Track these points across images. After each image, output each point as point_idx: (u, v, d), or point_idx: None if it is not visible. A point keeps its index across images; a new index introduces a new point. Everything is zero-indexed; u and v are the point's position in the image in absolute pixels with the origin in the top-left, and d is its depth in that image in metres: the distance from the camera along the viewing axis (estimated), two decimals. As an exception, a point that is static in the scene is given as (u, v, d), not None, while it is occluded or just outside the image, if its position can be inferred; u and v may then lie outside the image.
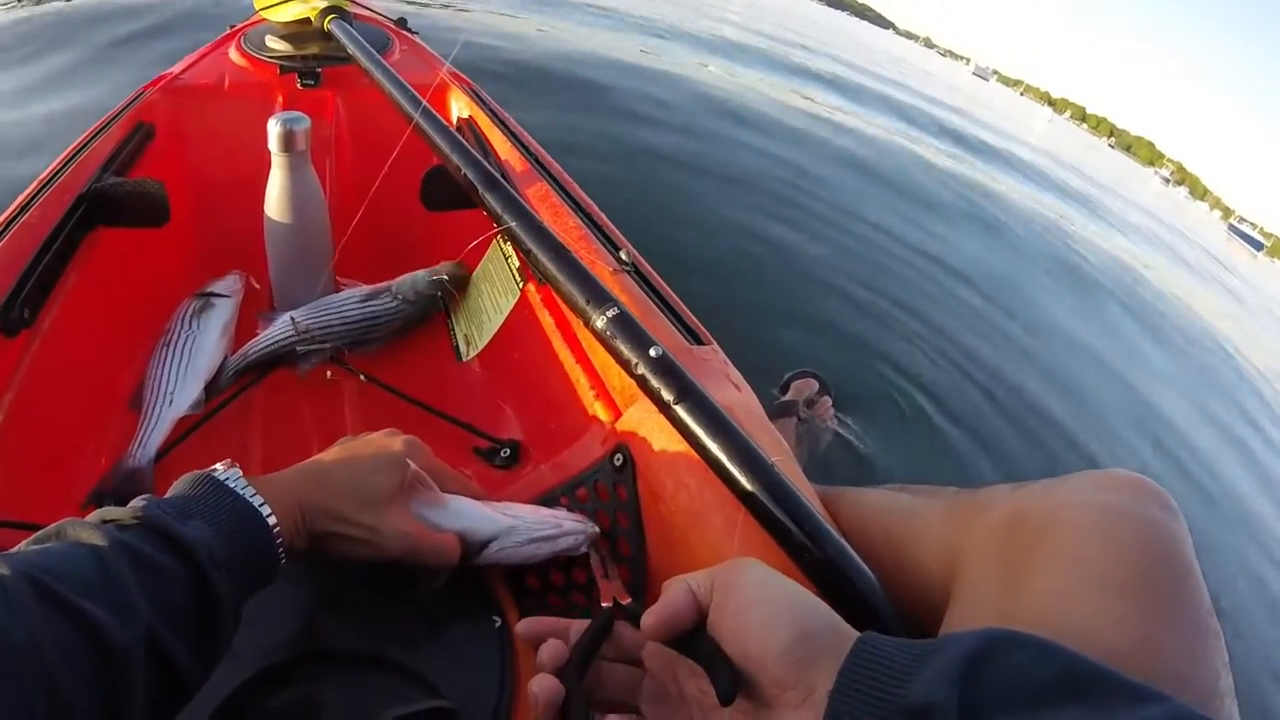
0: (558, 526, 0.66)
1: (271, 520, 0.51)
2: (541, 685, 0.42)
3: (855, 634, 0.37)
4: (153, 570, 0.41)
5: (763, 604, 0.40)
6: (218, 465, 0.53)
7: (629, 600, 0.51)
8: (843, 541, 0.54)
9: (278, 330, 1.02)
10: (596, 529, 0.68)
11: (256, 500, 0.51)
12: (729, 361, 0.76)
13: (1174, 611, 0.38)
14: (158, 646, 0.39)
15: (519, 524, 0.66)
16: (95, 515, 0.44)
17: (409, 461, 0.63)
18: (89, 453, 0.86)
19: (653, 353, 0.65)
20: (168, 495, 0.50)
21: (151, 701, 0.39)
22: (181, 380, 0.94)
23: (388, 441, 0.64)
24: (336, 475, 0.59)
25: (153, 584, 0.41)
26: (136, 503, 0.46)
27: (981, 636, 0.33)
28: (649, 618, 0.43)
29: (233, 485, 0.51)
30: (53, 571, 0.37)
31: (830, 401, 1.71)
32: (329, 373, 1.00)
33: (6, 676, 0.32)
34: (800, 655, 0.37)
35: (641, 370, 0.65)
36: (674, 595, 0.43)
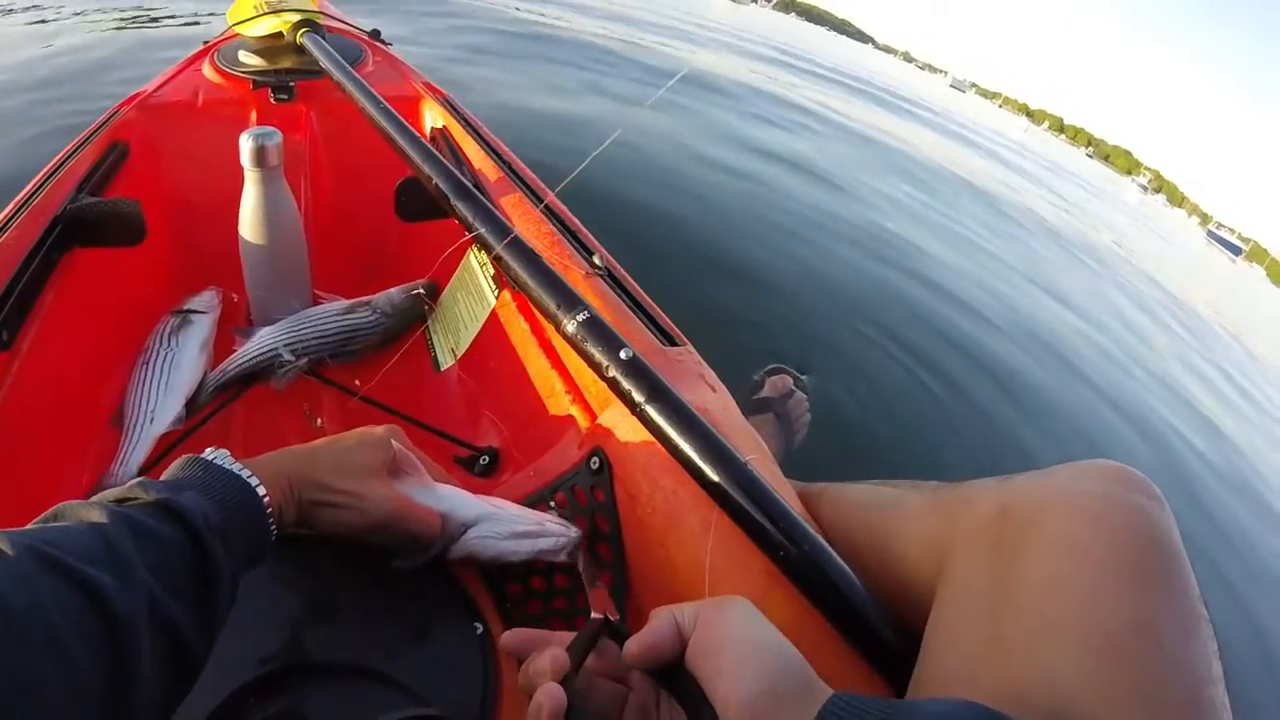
0: (540, 525, 0.67)
1: (261, 491, 0.52)
2: (548, 694, 0.41)
3: (828, 692, 0.37)
4: (152, 538, 0.42)
5: (735, 647, 0.40)
6: (206, 450, 0.54)
7: (616, 617, 0.51)
8: (820, 538, 0.54)
9: (256, 345, 1.02)
10: (579, 534, 0.68)
11: (245, 474, 0.52)
12: (703, 362, 0.77)
13: (1168, 596, 0.39)
14: (160, 612, 0.40)
15: (501, 513, 0.67)
16: (94, 498, 0.45)
17: (393, 442, 0.65)
18: (71, 472, 0.86)
19: (623, 355, 0.65)
20: (161, 478, 0.50)
21: (157, 672, 0.39)
22: (162, 398, 0.94)
23: (370, 428, 0.66)
24: (323, 452, 0.61)
25: (153, 551, 0.41)
26: (132, 482, 0.47)
27: (946, 710, 0.33)
28: (633, 645, 0.43)
29: (221, 463, 0.52)
30: (55, 543, 0.37)
31: (805, 397, 1.70)
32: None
33: (10, 641, 0.32)
34: (763, 708, 0.37)
35: (613, 373, 0.65)
36: (658, 626, 0.43)
